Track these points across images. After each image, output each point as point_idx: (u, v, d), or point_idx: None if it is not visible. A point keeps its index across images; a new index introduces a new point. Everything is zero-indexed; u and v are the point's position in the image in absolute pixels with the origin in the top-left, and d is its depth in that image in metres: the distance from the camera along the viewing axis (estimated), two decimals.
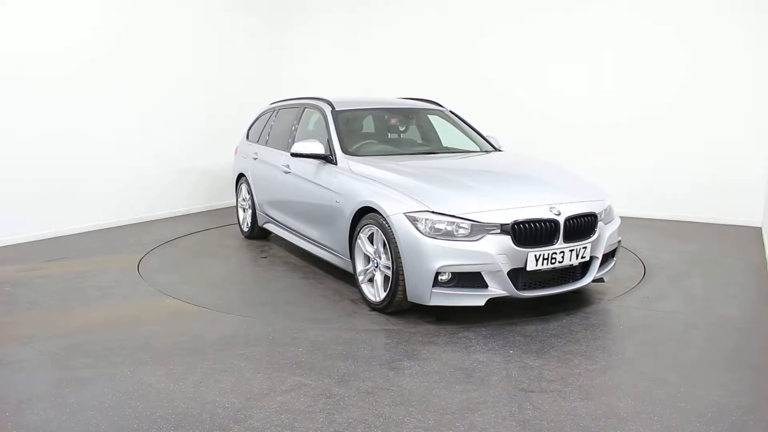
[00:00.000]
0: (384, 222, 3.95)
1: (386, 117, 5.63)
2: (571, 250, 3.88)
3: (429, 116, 5.75)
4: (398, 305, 4.00)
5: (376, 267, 4.14)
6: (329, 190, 4.66)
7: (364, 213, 4.20)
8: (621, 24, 7.43)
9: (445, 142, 5.55)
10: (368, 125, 5.55)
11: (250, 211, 6.45)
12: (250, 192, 6.36)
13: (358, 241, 4.25)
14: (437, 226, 3.75)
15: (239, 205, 6.73)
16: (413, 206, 3.84)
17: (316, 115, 5.46)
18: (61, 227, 6.59)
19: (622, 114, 7.52)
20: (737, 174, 6.98)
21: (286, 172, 5.41)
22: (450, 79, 8.37)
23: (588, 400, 2.89)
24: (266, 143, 6.14)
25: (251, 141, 6.53)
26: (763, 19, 6.72)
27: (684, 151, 7.22)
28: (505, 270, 3.73)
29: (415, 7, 8.66)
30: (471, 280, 3.76)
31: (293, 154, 4.95)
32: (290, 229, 5.54)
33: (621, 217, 4.68)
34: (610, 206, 4.37)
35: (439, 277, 3.74)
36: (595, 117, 7.66)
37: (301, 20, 9.48)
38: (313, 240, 5.07)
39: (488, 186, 4.15)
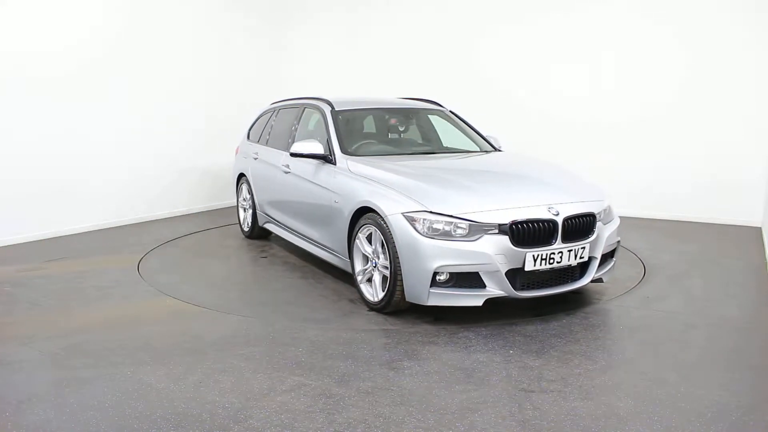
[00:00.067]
0: (382, 222, 3.95)
1: (386, 117, 5.63)
2: (569, 251, 3.88)
3: (429, 116, 5.75)
4: (396, 305, 4.00)
5: (375, 267, 4.14)
6: (328, 190, 4.67)
7: (363, 213, 4.20)
8: (621, 24, 7.43)
9: (445, 142, 5.55)
10: (368, 125, 5.55)
11: (250, 211, 6.46)
12: (250, 192, 6.36)
13: (357, 241, 4.25)
14: (435, 226, 3.75)
15: (240, 205, 6.73)
16: (411, 206, 3.85)
17: (316, 115, 5.47)
18: (61, 227, 6.59)
19: (622, 114, 7.52)
20: (737, 174, 6.98)
21: (286, 172, 5.41)
22: (450, 79, 8.37)
23: (588, 400, 2.89)
24: (266, 143, 6.15)
25: (252, 141, 6.53)
26: (763, 19, 6.72)
27: (684, 151, 7.22)
28: (503, 270, 3.72)
29: (415, 7, 8.66)
30: (469, 280, 3.76)
31: (292, 154, 4.95)
32: (290, 229, 5.54)
33: (621, 217, 4.69)
34: (609, 206, 4.36)
35: (437, 277, 3.74)
36: (595, 117, 7.67)
37: (301, 20, 9.48)
38: (313, 240, 5.07)
39: (487, 186, 4.15)
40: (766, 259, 5.48)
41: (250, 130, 6.77)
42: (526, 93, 8.01)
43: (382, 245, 4.00)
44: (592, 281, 4.14)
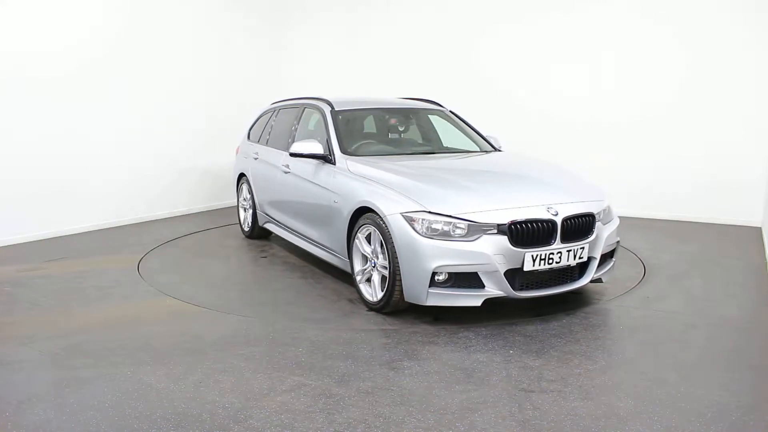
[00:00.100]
0: (381, 222, 3.95)
1: (386, 117, 5.63)
2: (568, 251, 3.88)
3: (429, 116, 5.75)
4: (395, 305, 4.00)
5: (374, 267, 4.14)
6: (328, 190, 4.67)
7: (362, 213, 4.20)
8: (621, 24, 7.43)
9: (445, 142, 5.55)
10: (368, 125, 5.55)
11: (250, 211, 6.46)
12: (250, 192, 6.36)
13: (356, 241, 4.25)
14: (434, 226, 3.74)
15: (240, 204, 6.73)
16: (410, 206, 3.84)
17: (316, 115, 5.47)
18: (61, 227, 6.59)
19: (622, 114, 7.52)
20: (737, 174, 6.98)
21: (286, 172, 5.41)
22: (450, 79, 8.37)
23: (588, 400, 2.89)
24: (267, 143, 6.15)
25: (252, 141, 6.53)
26: (763, 19, 6.72)
27: (684, 151, 7.22)
28: (502, 270, 3.72)
29: (415, 7, 8.66)
30: (468, 280, 3.76)
31: (292, 154, 4.95)
32: (290, 228, 5.54)
33: (621, 217, 4.68)
34: (608, 206, 4.36)
35: (436, 278, 3.74)
36: (595, 117, 7.66)
37: (301, 20, 9.48)
38: (312, 240, 5.07)
39: (486, 186, 4.14)
40: (766, 259, 5.48)
41: (250, 130, 6.77)
42: (526, 93, 8.01)
43: (381, 245, 4.00)
44: (591, 281, 4.14)
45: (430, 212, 3.78)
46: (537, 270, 3.81)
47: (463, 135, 5.60)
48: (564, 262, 3.88)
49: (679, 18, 7.12)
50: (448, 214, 3.76)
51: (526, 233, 3.76)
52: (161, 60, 7.58)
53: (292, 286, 4.85)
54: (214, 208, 8.42)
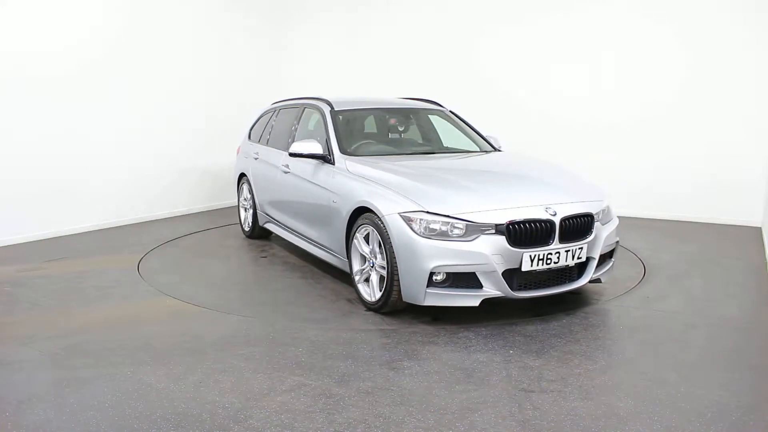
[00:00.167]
0: (379, 222, 3.95)
1: (386, 117, 5.63)
2: (567, 251, 3.87)
3: (429, 116, 5.75)
4: (393, 305, 4.00)
5: (372, 267, 4.14)
6: (327, 190, 4.67)
7: (361, 213, 4.20)
8: (621, 24, 7.43)
9: (445, 142, 5.55)
10: (367, 125, 5.56)
11: (251, 211, 6.46)
12: (251, 192, 6.37)
13: (355, 241, 4.25)
14: (432, 226, 3.74)
15: (241, 204, 6.73)
16: (408, 206, 3.84)
17: (316, 115, 5.47)
18: (61, 227, 6.59)
19: (622, 114, 7.52)
20: (737, 174, 6.98)
21: (286, 172, 5.41)
22: (450, 79, 8.37)
23: (588, 400, 2.89)
24: (267, 143, 6.15)
25: (253, 141, 6.54)
26: (763, 19, 6.72)
27: (684, 151, 7.22)
28: (500, 270, 3.72)
29: (415, 7, 8.66)
30: (466, 280, 3.76)
31: (291, 154, 4.95)
32: (289, 228, 5.54)
33: (621, 217, 4.68)
34: (608, 206, 4.35)
35: (434, 278, 3.74)
36: (595, 117, 7.66)
37: (301, 20, 9.48)
38: (312, 240, 5.08)
39: (484, 186, 4.14)
40: (766, 259, 5.48)
41: (251, 130, 6.77)
42: (526, 93, 8.01)
43: (380, 245, 4.00)
44: (590, 282, 4.13)
45: (428, 212, 3.78)
46: (535, 270, 3.81)
47: (462, 135, 5.59)
48: (562, 263, 3.87)
49: (679, 18, 7.13)
50: (446, 214, 3.76)
51: (524, 233, 3.76)
52: (161, 60, 7.58)
53: (292, 286, 4.85)
54: (214, 208, 8.42)
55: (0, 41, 5.96)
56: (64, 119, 6.55)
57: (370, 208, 4.04)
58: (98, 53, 6.84)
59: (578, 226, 3.94)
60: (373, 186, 4.18)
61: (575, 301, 4.34)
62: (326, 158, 4.82)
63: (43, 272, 5.19)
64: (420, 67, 8.58)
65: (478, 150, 5.38)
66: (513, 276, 3.77)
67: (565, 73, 7.78)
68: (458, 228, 3.73)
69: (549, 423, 2.68)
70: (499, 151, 5.47)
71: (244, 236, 6.66)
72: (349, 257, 4.38)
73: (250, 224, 6.49)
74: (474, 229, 3.73)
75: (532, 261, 3.76)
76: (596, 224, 4.08)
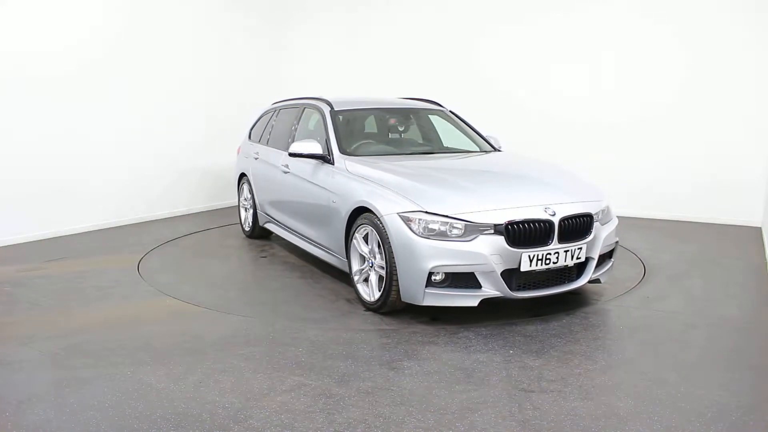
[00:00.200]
0: (378, 222, 3.95)
1: (386, 117, 5.63)
2: (566, 251, 3.87)
3: (429, 116, 5.75)
4: (392, 305, 4.00)
5: (371, 267, 4.14)
6: (326, 189, 4.67)
7: (360, 213, 4.20)
8: (621, 24, 7.43)
9: (445, 142, 5.55)
10: (367, 125, 5.56)
11: (251, 211, 6.46)
12: (251, 192, 6.37)
13: (354, 241, 4.25)
14: (431, 226, 3.74)
15: (241, 204, 6.74)
16: (407, 206, 3.84)
17: (316, 116, 5.47)
18: (61, 227, 6.59)
19: (622, 114, 7.52)
20: (737, 174, 6.98)
21: (286, 172, 5.41)
22: (450, 79, 8.37)
23: (588, 400, 2.89)
24: (267, 143, 6.15)
25: (253, 141, 6.54)
26: (763, 19, 6.72)
27: (684, 151, 7.22)
28: (499, 270, 3.71)
29: (415, 7, 8.66)
30: (464, 280, 3.75)
31: (291, 154, 4.95)
32: (289, 228, 5.55)
33: (621, 217, 4.68)
34: (607, 207, 4.34)
35: (432, 278, 3.74)
36: (595, 117, 7.66)
37: (301, 20, 9.48)
38: (311, 240, 5.08)
39: (483, 186, 4.13)
40: (766, 259, 5.48)
41: (251, 130, 6.77)
42: (526, 93, 8.01)
43: (379, 245, 4.00)
44: (589, 282, 4.13)
45: (426, 212, 3.78)
46: (534, 270, 3.80)
47: (462, 135, 5.59)
48: (561, 263, 3.87)
49: (679, 18, 7.13)
50: (445, 214, 3.75)
51: (523, 233, 3.76)
52: (161, 60, 7.58)
53: (291, 285, 4.85)
54: (215, 208, 8.42)
55: (0, 41, 5.96)
56: (64, 119, 6.55)
57: (369, 208, 4.04)
58: (98, 53, 6.84)
59: (577, 227, 3.94)
60: (373, 186, 4.18)
61: (575, 301, 4.34)
62: (326, 158, 4.82)
63: (43, 272, 5.19)
64: (420, 67, 8.58)
65: (478, 150, 5.38)
66: (512, 276, 3.77)
67: (565, 73, 7.78)
68: (457, 228, 3.73)
69: (549, 423, 2.68)
70: (499, 151, 5.47)
71: (244, 236, 6.67)
72: (348, 257, 4.38)
73: (251, 224, 6.49)
74: (473, 229, 3.73)
75: (531, 261, 3.76)
76: (595, 224, 4.07)
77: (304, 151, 4.85)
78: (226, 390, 3.00)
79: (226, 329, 3.88)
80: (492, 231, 3.73)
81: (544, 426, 2.66)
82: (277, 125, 6.14)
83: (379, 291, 4.05)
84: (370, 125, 5.58)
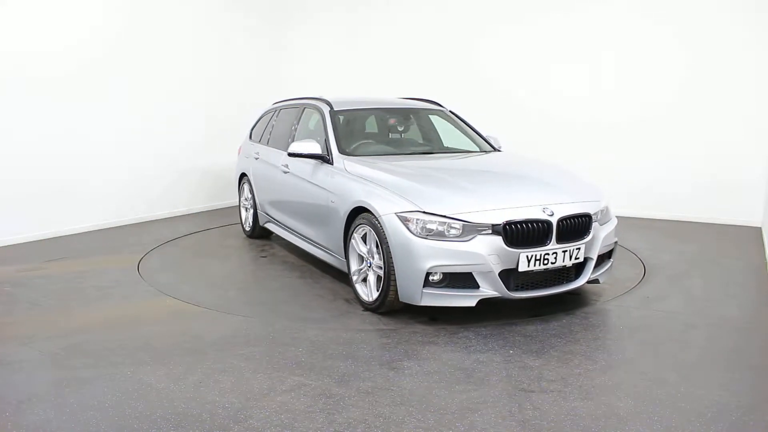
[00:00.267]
0: (376, 222, 3.95)
1: (386, 117, 5.63)
2: (564, 251, 3.86)
3: (429, 116, 5.75)
4: (390, 305, 3.99)
5: (369, 267, 4.14)
6: (325, 189, 4.67)
7: (358, 213, 4.20)
8: (621, 24, 7.43)
9: (445, 142, 5.55)
10: (367, 125, 5.56)
11: (251, 211, 6.46)
12: (251, 191, 6.37)
13: (352, 240, 4.25)
14: (428, 226, 3.74)
15: (242, 204, 6.74)
16: (405, 206, 3.84)
17: (316, 116, 5.47)
18: (61, 227, 6.59)
19: (622, 114, 7.52)
20: (737, 174, 6.98)
21: (285, 172, 5.42)
22: (450, 79, 8.37)
23: (588, 400, 2.89)
24: (267, 143, 6.16)
25: (254, 141, 6.55)
26: (763, 19, 6.72)
27: (684, 151, 7.22)
28: (497, 271, 3.71)
29: (415, 7, 8.66)
30: (462, 280, 3.75)
31: (290, 154, 4.95)
32: (289, 228, 5.55)
33: (621, 217, 4.68)
34: (606, 207, 4.34)
35: (430, 278, 3.73)
36: (595, 117, 7.66)
37: (301, 20, 9.48)
38: (310, 239, 5.08)
39: (482, 186, 4.13)
40: (766, 259, 5.48)
41: (252, 129, 6.78)
42: (526, 93, 8.01)
43: (377, 245, 4.00)
44: (588, 282, 4.12)
45: (424, 212, 3.78)
46: (532, 270, 3.80)
47: (462, 135, 5.59)
48: (560, 263, 3.86)
49: (679, 18, 7.12)
50: (443, 214, 3.75)
51: (521, 233, 3.75)
52: (161, 60, 7.58)
53: (291, 285, 4.85)
54: (215, 208, 8.42)
55: (0, 41, 5.96)
56: (64, 119, 6.55)
57: (368, 208, 4.04)
58: (98, 53, 6.84)
59: (576, 227, 3.93)
60: (371, 186, 4.18)
61: (575, 301, 4.34)
62: (325, 158, 4.82)
63: (43, 272, 5.19)
64: (420, 67, 8.58)
65: (478, 150, 5.38)
66: (510, 276, 3.77)
67: (565, 73, 7.78)
68: (455, 228, 3.72)
69: (549, 423, 2.68)
70: (499, 151, 5.47)
71: (244, 236, 6.67)
72: (347, 257, 4.38)
73: (251, 224, 6.50)
74: (470, 229, 3.72)
75: (528, 261, 3.76)
76: (594, 225, 4.07)
77: (303, 151, 4.85)
78: (226, 390, 3.00)
79: (226, 329, 3.88)
80: (490, 231, 3.72)
81: (544, 426, 2.66)
82: (277, 125, 6.15)
83: (377, 291, 4.05)
84: (370, 125, 5.58)
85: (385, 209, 3.89)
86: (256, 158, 6.21)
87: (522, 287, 3.85)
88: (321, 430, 2.62)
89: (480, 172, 4.69)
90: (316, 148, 4.83)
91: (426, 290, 3.75)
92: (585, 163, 7.14)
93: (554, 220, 3.82)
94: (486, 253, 3.68)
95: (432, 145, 5.47)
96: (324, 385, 3.05)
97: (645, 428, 2.64)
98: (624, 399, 2.90)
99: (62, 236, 6.54)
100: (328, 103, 5.33)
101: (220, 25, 8.41)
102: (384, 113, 5.64)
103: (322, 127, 5.13)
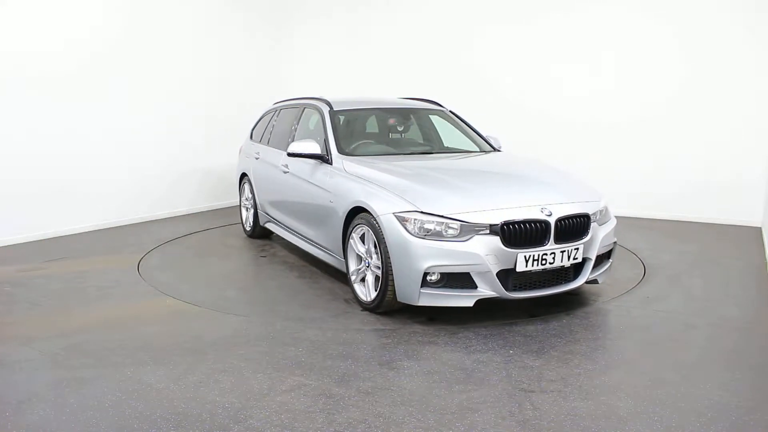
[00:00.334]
0: (374, 222, 3.95)
1: (386, 117, 5.63)
2: (562, 252, 3.85)
3: (430, 116, 5.75)
4: (388, 305, 3.99)
5: (368, 267, 4.14)
6: (324, 189, 4.67)
7: (357, 213, 4.20)
8: (621, 24, 7.43)
9: (446, 142, 5.55)
10: (367, 125, 5.56)
11: (252, 211, 6.47)
12: (252, 191, 6.37)
13: (351, 240, 4.25)
14: (426, 226, 3.74)
15: (242, 204, 6.74)
16: (403, 206, 3.84)
17: (316, 116, 5.47)
18: (61, 227, 6.59)
19: (622, 114, 7.52)
20: (737, 174, 6.98)
21: (285, 172, 5.42)
22: (450, 79, 8.37)
23: (588, 400, 2.89)
24: (268, 143, 6.16)
25: (254, 141, 6.55)
26: (763, 19, 6.72)
27: (684, 151, 7.22)
28: (494, 271, 3.70)
29: (415, 7, 8.66)
30: (460, 280, 3.75)
31: (290, 154, 4.96)
32: (289, 228, 5.55)
33: (621, 218, 4.68)
34: (605, 207, 4.34)
35: (428, 278, 3.73)
36: (595, 117, 7.67)
37: (301, 20, 9.48)
38: (310, 239, 5.08)
39: (480, 186, 4.13)
40: (766, 259, 5.48)
41: (252, 130, 6.78)
42: (526, 93, 8.01)
43: (375, 245, 4.00)
44: (587, 282, 4.12)
45: (422, 212, 3.77)
46: (530, 271, 3.80)
47: (462, 135, 5.59)
48: (558, 263, 3.86)
49: (679, 18, 7.13)
50: (441, 214, 3.75)
51: (519, 234, 3.75)
52: (161, 60, 7.58)
53: (290, 285, 4.85)
54: (215, 208, 8.42)
55: (0, 41, 5.96)
56: (64, 119, 6.55)
57: (366, 208, 4.04)
58: (98, 53, 6.84)
59: (574, 227, 3.93)
60: (370, 186, 4.18)
61: (575, 301, 4.34)
62: (324, 158, 4.82)
63: (43, 272, 5.19)
64: (420, 67, 8.58)
65: (478, 150, 5.38)
66: (508, 276, 3.76)
67: (565, 73, 7.78)
68: (452, 228, 3.72)
69: (549, 423, 2.68)
70: (499, 151, 5.47)
71: (245, 236, 6.67)
72: (345, 257, 4.38)
73: (251, 224, 6.50)
74: (468, 230, 3.72)
75: (526, 261, 3.75)
76: (593, 225, 4.06)
77: (302, 151, 4.86)
78: (226, 390, 3.00)
79: (226, 329, 3.88)
80: (487, 231, 3.72)
81: (544, 426, 2.66)
82: (277, 125, 6.15)
83: (376, 291, 4.05)
84: (370, 125, 5.58)
85: (382, 209, 3.89)
86: (257, 158, 6.21)
87: (520, 287, 3.85)
88: (321, 430, 2.62)
89: (478, 173, 4.69)
90: (315, 148, 4.83)
91: (424, 290, 3.74)
92: (585, 163, 7.15)
93: (552, 220, 3.82)
94: (483, 253, 3.68)
95: (432, 145, 5.47)
96: (324, 385, 3.05)
97: (645, 428, 2.64)
98: (624, 399, 2.90)
99: (62, 236, 6.54)
100: (328, 103, 5.33)
101: (220, 25, 8.41)
102: (384, 113, 5.64)
103: (322, 127, 5.13)
